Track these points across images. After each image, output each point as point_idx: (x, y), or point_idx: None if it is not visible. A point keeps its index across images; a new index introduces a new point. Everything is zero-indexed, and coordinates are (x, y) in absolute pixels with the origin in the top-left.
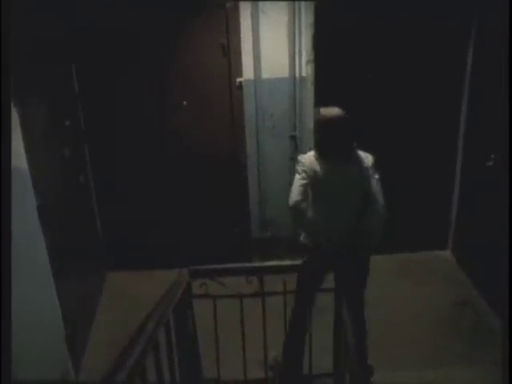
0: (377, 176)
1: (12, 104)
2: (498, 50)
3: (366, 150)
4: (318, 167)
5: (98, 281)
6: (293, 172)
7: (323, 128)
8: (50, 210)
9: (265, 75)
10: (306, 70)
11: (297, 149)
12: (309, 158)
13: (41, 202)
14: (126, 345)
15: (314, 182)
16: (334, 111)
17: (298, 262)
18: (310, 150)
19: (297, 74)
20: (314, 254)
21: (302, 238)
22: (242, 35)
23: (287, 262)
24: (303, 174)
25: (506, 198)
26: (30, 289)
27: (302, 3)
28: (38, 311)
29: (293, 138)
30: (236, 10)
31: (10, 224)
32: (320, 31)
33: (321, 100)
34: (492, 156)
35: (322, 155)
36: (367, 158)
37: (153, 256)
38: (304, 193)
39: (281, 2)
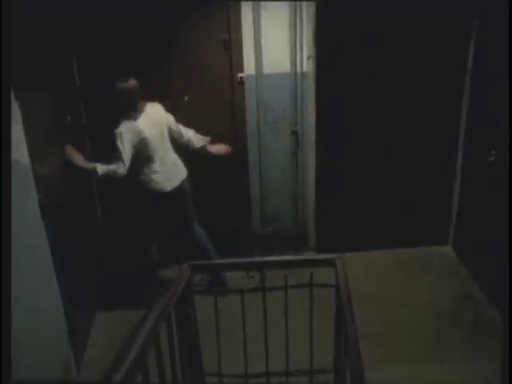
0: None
1: (14, 99)
2: (499, 44)
3: (367, 144)
4: (140, 128)
5: (99, 274)
6: (293, 168)
7: (128, 95)
8: (51, 204)
9: (266, 70)
10: (307, 65)
11: (298, 144)
12: (127, 126)
13: (42, 196)
14: (127, 339)
15: (141, 142)
16: (131, 82)
17: (299, 256)
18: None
19: (298, 70)
20: (159, 196)
21: (149, 186)
22: (244, 31)
23: (288, 257)
24: (130, 143)
25: (506, 193)
26: (32, 284)
27: None
28: (40, 306)
29: (294, 133)
30: (238, 5)
31: (10, 218)
32: (321, 27)
33: (322, 95)
34: (493, 151)
35: (134, 117)
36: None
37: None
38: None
39: None
